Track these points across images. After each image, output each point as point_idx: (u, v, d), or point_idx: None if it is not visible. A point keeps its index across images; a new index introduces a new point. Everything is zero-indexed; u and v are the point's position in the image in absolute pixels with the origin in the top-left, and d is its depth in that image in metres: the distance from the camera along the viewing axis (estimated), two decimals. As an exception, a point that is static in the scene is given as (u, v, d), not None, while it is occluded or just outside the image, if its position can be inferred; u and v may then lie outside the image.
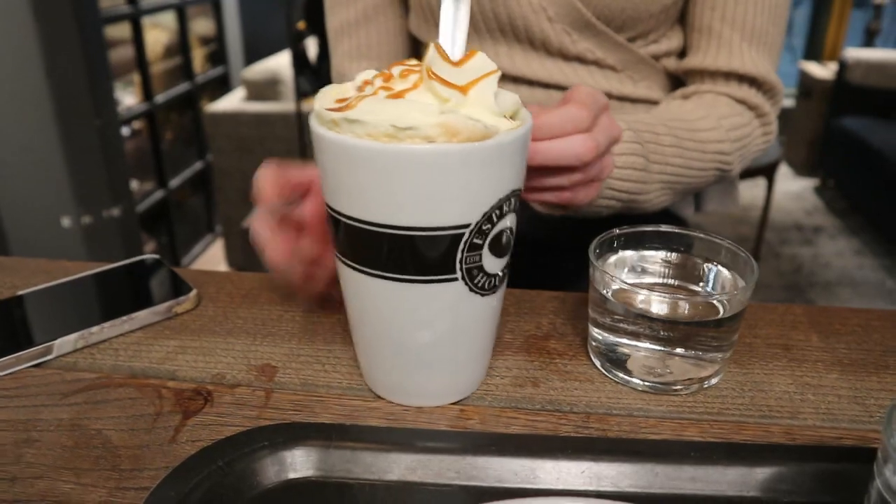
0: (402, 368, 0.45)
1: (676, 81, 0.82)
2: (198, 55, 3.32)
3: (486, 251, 0.40)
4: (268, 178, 0.51)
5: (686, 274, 0.52)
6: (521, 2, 0.72)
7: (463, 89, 0.39)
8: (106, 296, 0.60)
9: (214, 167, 2.95)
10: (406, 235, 0.38)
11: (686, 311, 0.46)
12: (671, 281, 0.52)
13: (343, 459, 0.40)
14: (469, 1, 0.45)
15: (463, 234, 0.38)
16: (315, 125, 0.39)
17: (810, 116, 4.02)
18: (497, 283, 0.43)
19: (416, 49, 0.87)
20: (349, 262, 0.41)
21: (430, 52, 0.40)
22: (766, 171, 2.88)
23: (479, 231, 0.39)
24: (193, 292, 0.59)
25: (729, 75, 0.74)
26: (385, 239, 0.38)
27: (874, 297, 2.85)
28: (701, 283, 0.52)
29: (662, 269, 0.53)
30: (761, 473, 0.39)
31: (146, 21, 2.80)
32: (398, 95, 0.39)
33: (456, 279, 0.40)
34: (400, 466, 0.40)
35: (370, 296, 0.42)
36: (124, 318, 0.55)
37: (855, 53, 3.71)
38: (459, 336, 0.44)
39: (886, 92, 3.63)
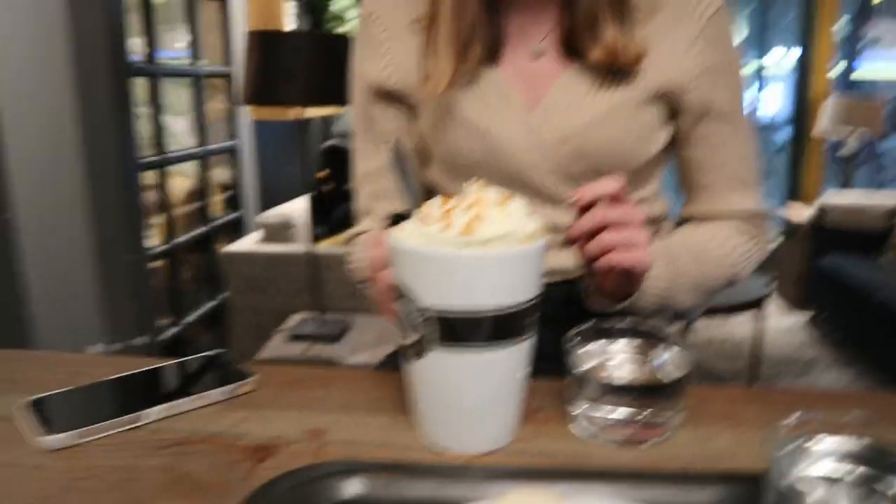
0: (460, 423, 0.61)
1: (649, 222, 0.97)
2: (216, 200, 3.56)
3: None
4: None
5: (641, 357, 0.66)
6: (520, 159, 0.89)
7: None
8: (185, 379, 0.75)
9: (229, 305, 3.11)
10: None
11: (642, 380, 0.60)
12: (631, 362, 0.66)
13: (386, 484, 0.53)
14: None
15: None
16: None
17: (795, 256, 4.23)
18: None
19: (429, 195, 1.02)
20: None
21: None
22: (757, 305, 3.03)
23: None
24: (254, 377, 0.72)
25: (729, 213, 0.93)
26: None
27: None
28: (654, 361, 0.65)
29: (624, 354, 0.67)
30: (697, 493, 0.51)
31: (171, 168, 3.05)
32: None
33: None
34: (431, 487, 0.52)
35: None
36: (200, 395, 0.68)
37: (831, 198, 3.97)
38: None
39: (862, 232, 3.85)
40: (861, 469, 0.46)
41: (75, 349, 2.18)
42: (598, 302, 0.81)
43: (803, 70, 4.71)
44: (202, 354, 0.79)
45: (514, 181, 0.90)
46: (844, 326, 3.73)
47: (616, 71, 0.87)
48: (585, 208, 0.70)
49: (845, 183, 4.30)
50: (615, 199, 0.70)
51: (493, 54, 0.90)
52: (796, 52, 4.92)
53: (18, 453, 0.60)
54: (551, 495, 0.49)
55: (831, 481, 0.46)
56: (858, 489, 0.46)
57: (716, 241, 0.90)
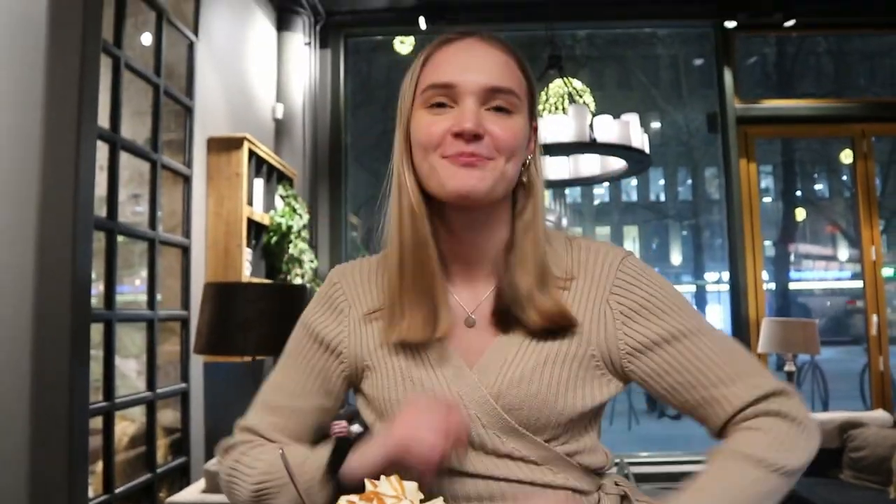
0: None
1: (591, 473, 1.00)
2: (161, 445, 3.43)
3: None
4: None
5: None
6: (461, 412, 0.94)
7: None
8: None
9: (170, 562, 2.88)
10: None
11: None
12: None
13: None
14: None
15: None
16: None
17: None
18: None
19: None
20: None
21: None
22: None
23: None
24: None
25: (745, 406, 0.93)
26: None
27: None
28: None
29: None
30: None
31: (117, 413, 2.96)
32: None
33: None
34: None
35: None
36: None
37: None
38: None
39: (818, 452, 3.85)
40: None
41: None
42: None
43: (736, 291, 4.94)
44: None
45: None
46: (815, 554, 3.61)
47: (546, 331, 0.96)
48: None
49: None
50: None
51: (429, 323, 0.98)
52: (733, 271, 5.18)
53: None
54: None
55: None
56: None
57: (716, 474, 0.91)
